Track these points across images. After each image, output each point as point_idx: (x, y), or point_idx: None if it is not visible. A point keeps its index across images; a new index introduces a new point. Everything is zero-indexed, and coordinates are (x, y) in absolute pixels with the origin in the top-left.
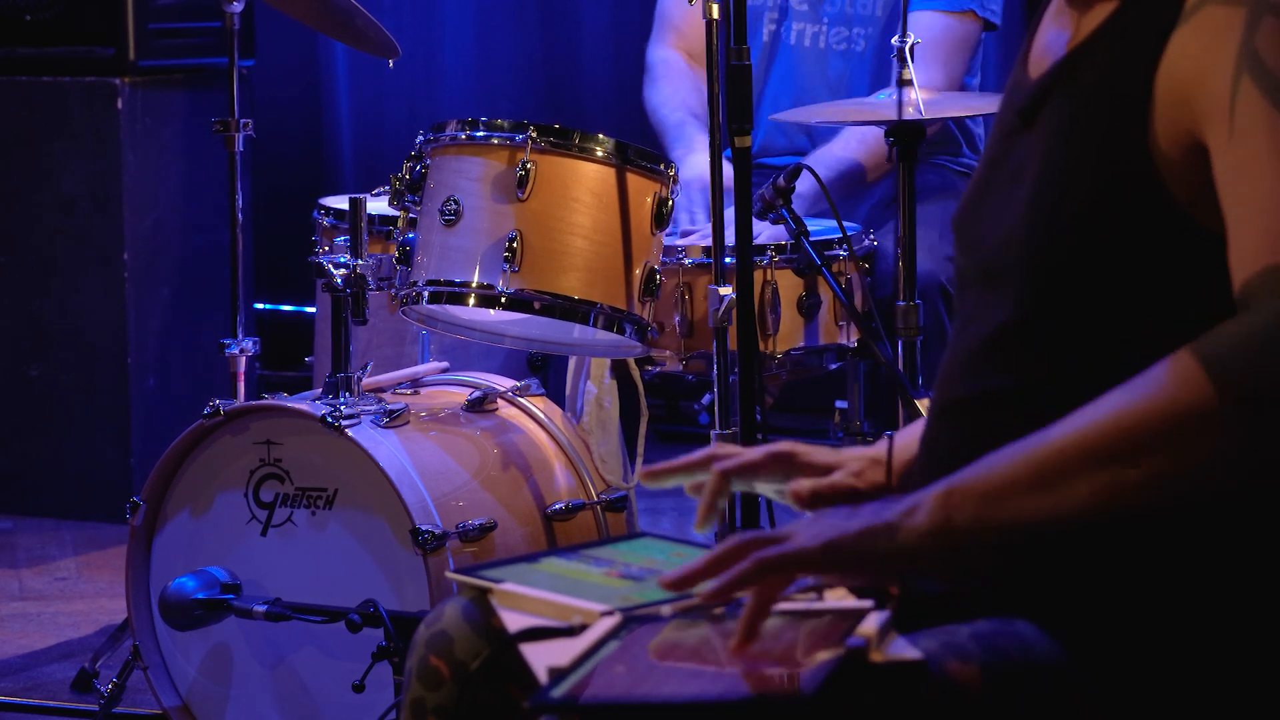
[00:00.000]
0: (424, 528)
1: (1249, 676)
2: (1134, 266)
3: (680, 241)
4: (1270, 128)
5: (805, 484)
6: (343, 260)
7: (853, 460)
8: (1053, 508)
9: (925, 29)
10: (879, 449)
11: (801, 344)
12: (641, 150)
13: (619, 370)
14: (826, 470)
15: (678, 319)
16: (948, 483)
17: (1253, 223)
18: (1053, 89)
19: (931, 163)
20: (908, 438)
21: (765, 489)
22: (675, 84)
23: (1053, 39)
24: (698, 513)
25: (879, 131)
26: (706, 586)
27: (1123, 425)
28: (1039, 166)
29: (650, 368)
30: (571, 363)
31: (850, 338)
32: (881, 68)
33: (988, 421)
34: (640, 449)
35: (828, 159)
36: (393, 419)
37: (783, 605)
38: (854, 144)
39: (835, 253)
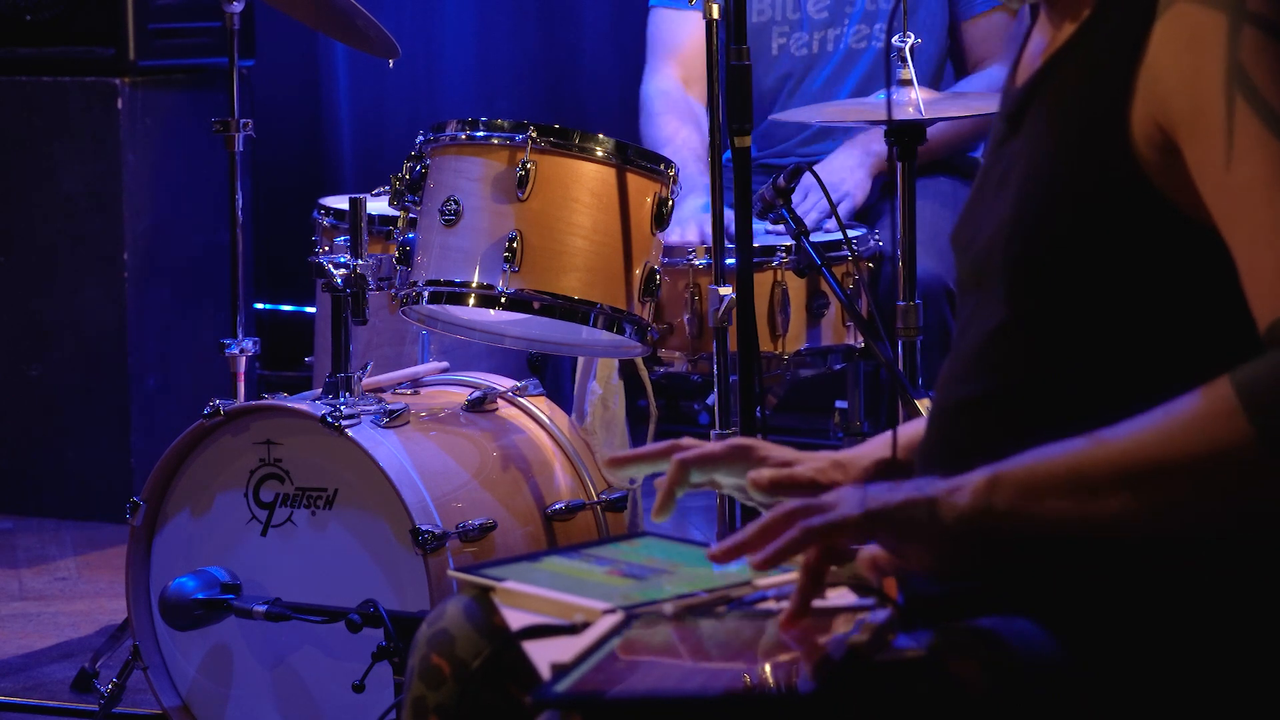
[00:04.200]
0: (424, 528)
1: (1249, 676)
2: (1121, 261)
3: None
4: (1271, 154)
5: (765, 473)
6: (343, 260)
7: (811, 458)
8: (1085, 515)
9: (998, 30)
10: (843, 454)
11: (809, 344)
12: (641, 150)
13: (626, 370)
14: (784, 465)
15: (687, 318)
16: (995, 469)
17: (1271, 253)
18: (1035, 94)
19: (938, 161)
20: (909, 433)
21: (726, 483)
22: (677, 122)
23: (1036, 47)
24: (656, 501)
25: (881, 147)
26: (754, 556)
27: (1159, 450)
28: (1023, 169)
29: (658, 368)
30: (579, 363)
31: (857, 338)
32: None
33: (982, 424)
34: None
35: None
36: (393, 419)
37: (786, 603)
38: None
39: (841, 254)
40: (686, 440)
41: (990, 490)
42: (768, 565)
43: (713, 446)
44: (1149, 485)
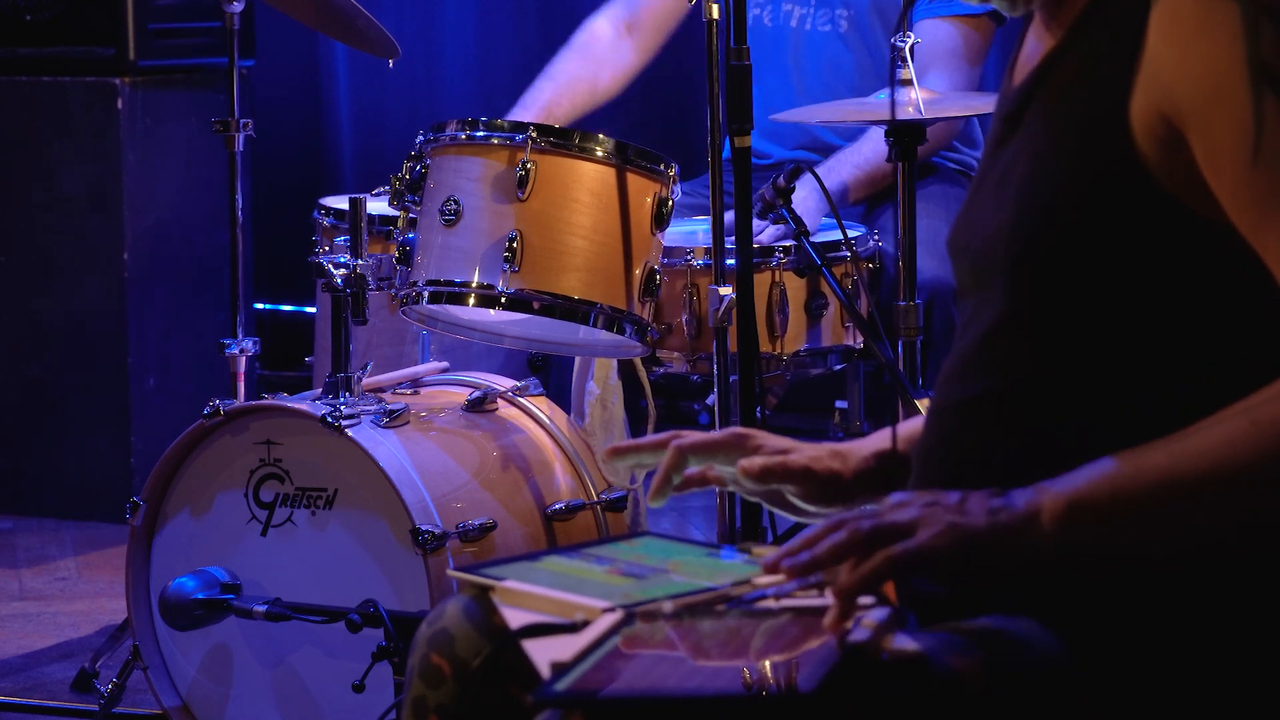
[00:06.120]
0: (424, 528)
1: (1249, 676)
2: (1123, 257)
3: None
4: None
5: (757, 460)
6: (343, 260)
7: (808, 448)
8: (1180, 535)
9: (938, 39)
10: (842, 444)
11: (809, 345)
12: (641, 150)
13: (625, 371)
14: (781, 453)
15: (685, 319)
16: (1069, 492)
17: None
18: (1033, 93)
19: (927, 161)
20: (909, 428)
21: (724, 472)
22: (578, 62)
23: (1032, 47)
24: (652, 485)
25: (879, 154)
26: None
27: (1259, 452)
28: (1023, 169)
29: (657, 368)
30: (577, 363)
31: (856, 338)
32: (862, 54)
33: (982, 423)
34: None
35: (829, 172)
36: (393, 419)
37: (786, 601)
38: (849, 167)
39: (840, 254)
40: (687, 431)
41: (1072, 519)
42: (854, 596)
43: (710, 434)
44: (1250, 491)
